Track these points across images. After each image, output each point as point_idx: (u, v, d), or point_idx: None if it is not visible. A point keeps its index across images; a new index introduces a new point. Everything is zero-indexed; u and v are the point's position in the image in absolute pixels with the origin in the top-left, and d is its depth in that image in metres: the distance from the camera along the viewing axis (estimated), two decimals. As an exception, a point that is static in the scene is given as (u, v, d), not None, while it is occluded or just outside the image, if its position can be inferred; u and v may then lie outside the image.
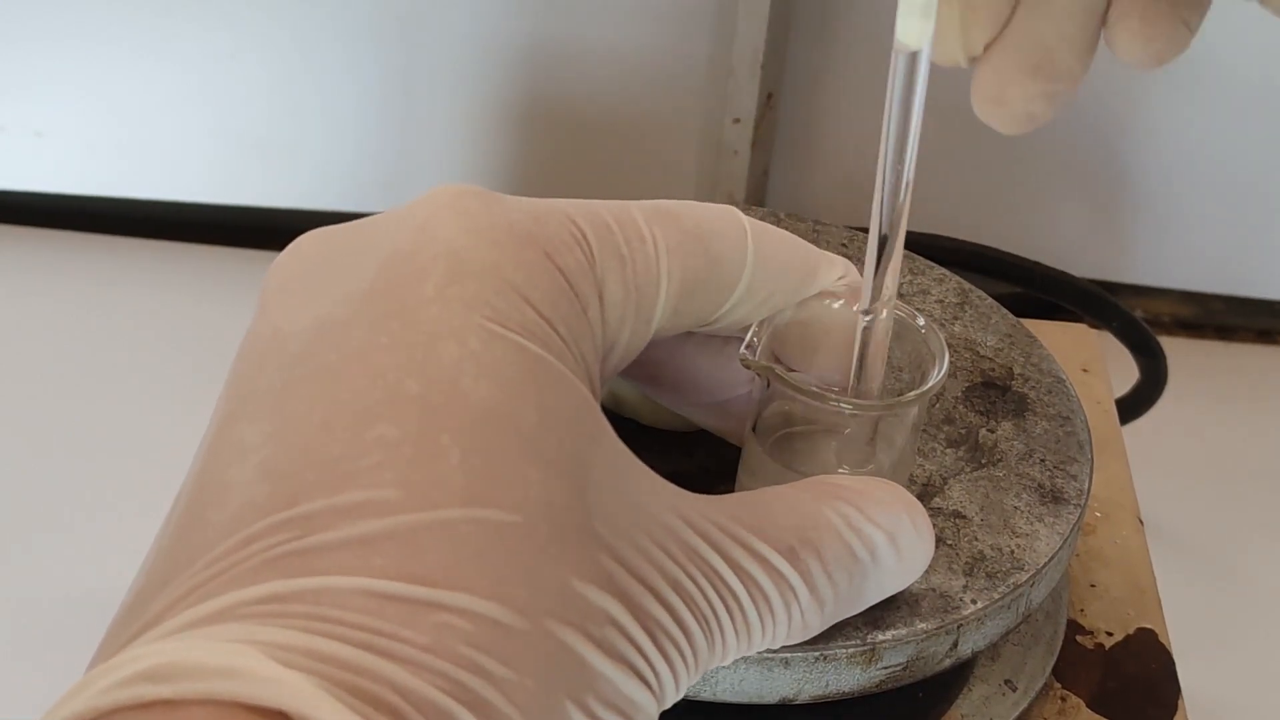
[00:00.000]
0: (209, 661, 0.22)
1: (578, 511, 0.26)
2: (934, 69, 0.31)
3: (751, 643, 0.29)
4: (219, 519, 0.25)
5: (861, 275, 0.37)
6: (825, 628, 0.31)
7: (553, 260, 0.29)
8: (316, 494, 0.25)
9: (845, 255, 0.47)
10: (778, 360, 0.35)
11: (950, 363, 0.35)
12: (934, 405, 0.42)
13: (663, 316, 0.32)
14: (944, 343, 0.35)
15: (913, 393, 0.34)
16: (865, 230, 0.49)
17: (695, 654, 0.28)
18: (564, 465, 0.26)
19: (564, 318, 0.28)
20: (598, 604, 0.26)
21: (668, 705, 0.28)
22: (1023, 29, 0.30)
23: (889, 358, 0.36)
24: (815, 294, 0.35)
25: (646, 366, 0.36)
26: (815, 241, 0.47)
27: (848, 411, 0.34)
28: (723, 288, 0.33)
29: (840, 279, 0.35)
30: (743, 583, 0.29)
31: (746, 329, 0.34)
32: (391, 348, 0.27)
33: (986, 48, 0.31)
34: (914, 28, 0.29)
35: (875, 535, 0.31)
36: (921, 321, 0.35)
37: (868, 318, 0.33)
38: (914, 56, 0.29)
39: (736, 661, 0.33)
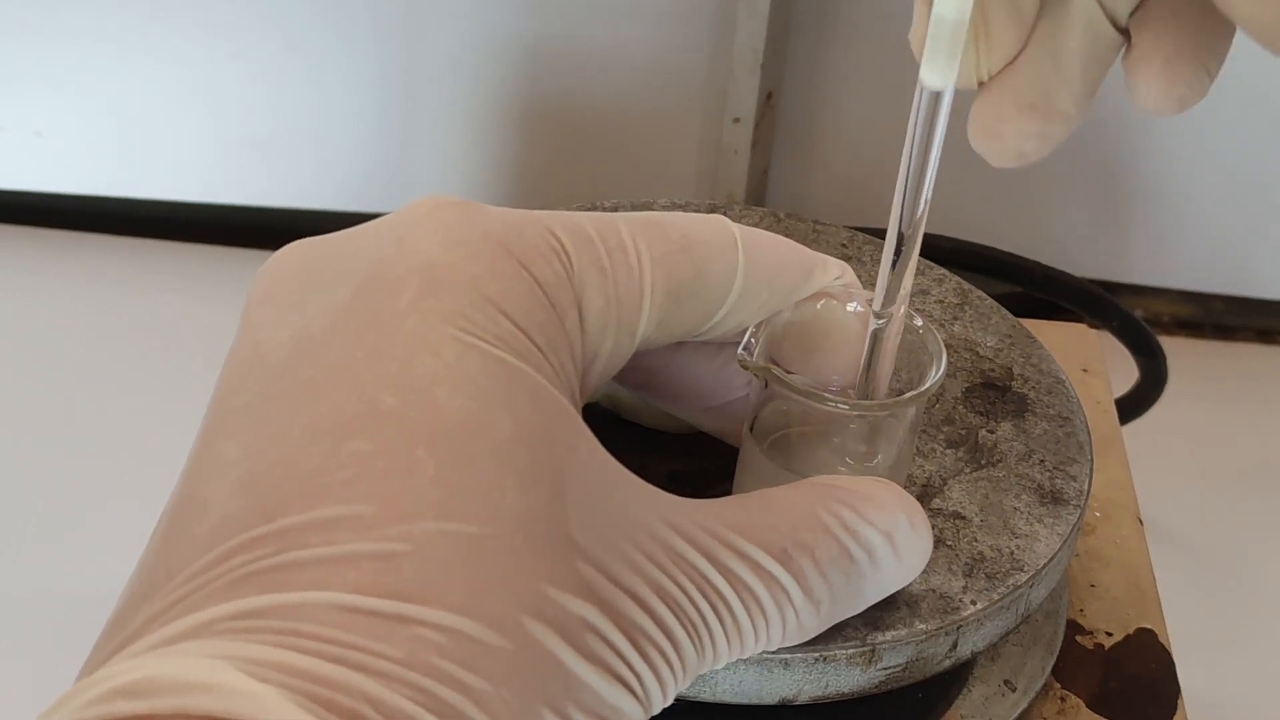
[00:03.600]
0: (183, 676, 0.22)
1: (555, 520, 0.26)
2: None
3: (745, 646, 0.29)
4: (197, 534, 0.25)
5: (859, 277, 0.37)
6: (823, 629, 0.31)
7: (529, 271, 0.29)
8: (292, 509, 0.25)
9: (844, 256, 0.47)
10: (774, 361, 0.35)
11: (949, 363, 0.35)
12: (933, 406, 0.42)
13: (648, 327, 0.32)
14: (941, 343, 0.35)
15: (910, 393, 0.34)
16: (865, 231, 0.49)
17: (682, 659, 0.28)
18: (540, 475, 0.26)
19: (540, 328, 0.28)
20: (576, 612, 0.26)
21: (655, 712, 0.27)
22: (1027, 68, 0.30)
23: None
24: (812, 295, 0.35)
25: (642, 373, 0.36)
26: (815, 241, 0.47)
27: (845, 412, 0.34)
28: (712, 298, 0.33)
29: (837, 279, 0.35)
30: (732, 586, 0.28)
31: (743, 334, 0.34)
32: (368, 361, 0.27)
33: (988, 82, 0.31)
34: (939, 70, 0.29)
35: (872, 535, 0.31)
36: (919, 322, 0.35)
37: (880, 321, 0.33)
38: (937, 96, 0.30)
39: (735, 662, 0.33)
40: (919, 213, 0.32)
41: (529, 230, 0.30)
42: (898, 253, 0.32)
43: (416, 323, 0.27)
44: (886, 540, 0.31)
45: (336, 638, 0.23)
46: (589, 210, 0.37)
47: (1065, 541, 0.37)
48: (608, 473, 0.28)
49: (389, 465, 0.25)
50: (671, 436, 0.40)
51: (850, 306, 0.35)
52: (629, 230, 0.31)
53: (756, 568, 0.29)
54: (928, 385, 0.34)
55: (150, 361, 0.86)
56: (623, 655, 0.26)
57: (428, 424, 0.26)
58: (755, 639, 0.29)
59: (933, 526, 0.37)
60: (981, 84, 0.31)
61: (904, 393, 0.34)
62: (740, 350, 0.34)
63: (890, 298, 0.33)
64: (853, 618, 0.32)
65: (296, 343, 0.27)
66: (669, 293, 0.32)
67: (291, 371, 0.27)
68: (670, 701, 0.28)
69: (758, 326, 0.34)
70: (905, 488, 0.34)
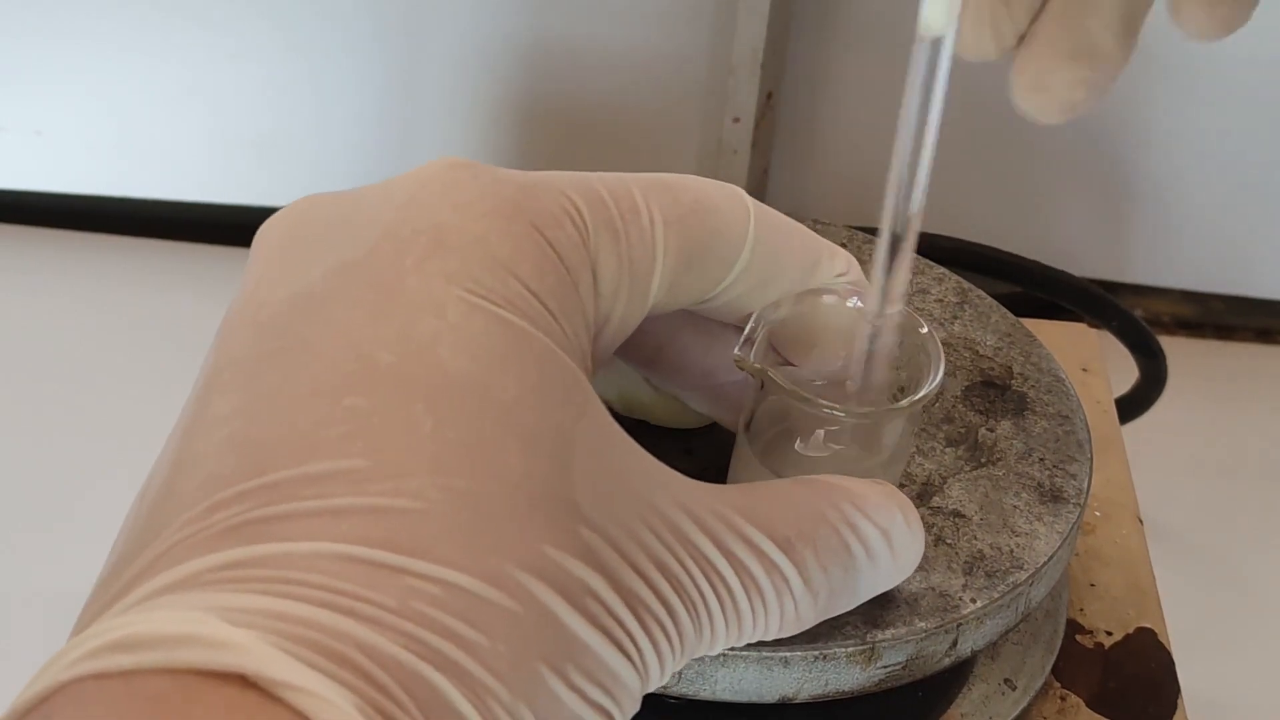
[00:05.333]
0: (167, 630, 0.22)
1: (558, 483, 0.26)
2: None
3: (743, 631, 0.29)
4: (185, 490, 0.25)
5: (864, 271, 0.37)
6: (818, 621, 0.31)
7: (542, 233, 0.29)
8: (283, 464, 0.24)
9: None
10: (775, 351, 0.35)
11: (948, 365, 0.35)
12: (933, 404, 0.41)
13: (659, 290, 0.31)
14: (940, 347, 0.34)
15: (905, 400, 0.34)
16: (865, 229, 0.49)
17: (681, 635, 0.27)
18: (545, 438, 0.26)
19: (552, 291, 0.28)
20: (576, 574, 0.25)
21: (651, 687, 0.27)
22: (1063, 15, 0.30)
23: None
24: (814, 288, 0.35)
25: (644, 349, 0.36)
26: (814, 241, 0.47)
27: (841, 417, 0.34)
28: (722, 263, 0.33)
29: (842, 275, 0.35)
30: (734, 569, 0.28)
31: (744, 317, 0.34)
32: (367, 320, 0.26)
33: (1025, 35, 0.30)
34: (939, 13, 0.28)
35: (870, 531, 0.31)
36: (925, 329, 0.35)
37: (875, 324, 0.33)
38: (937, 43, 0.28)
39: (735, 660, 0.33)
40: (915, 198, 0.30)
41: (542, 193, 0.29)
42: (893, 247, 0.31)
43: (420, 283, 0.27)
44: (884, 537, 0.31)
45: (325, 584, 0.23)
46: None
47: (1065, 540, 0.37)
48: (616, 443, 0.28)
49: (385, 421, 0.25)
50: (672, 435, 0.40)
51: (851, 302, 0.35)
52: (641, 192, 0.31)
53: (759, 554, 0.29)
54: (923, 392, 0.34)
55: (150, 361, 0.86)
56: (622, 622, 0.26)
57: (427, 381, 0.25)
58: (754, 625, 0.29)
59: (932, 524, 0.37)
60: (1004, 51, 0.30)
61: (904, 390, 0.34)
62: (737, 350, 0.33)
63: (888, 299, 0.32)
64: (852, 615, 0.32)
65: (296, 301, 0.27)
66: (680, 256, 0.31)
67: (288, 329, 0.27)
68: (667, 678, 0.27)
69: (756, 321, 0.34)
70: (904, 486, 0.34)
